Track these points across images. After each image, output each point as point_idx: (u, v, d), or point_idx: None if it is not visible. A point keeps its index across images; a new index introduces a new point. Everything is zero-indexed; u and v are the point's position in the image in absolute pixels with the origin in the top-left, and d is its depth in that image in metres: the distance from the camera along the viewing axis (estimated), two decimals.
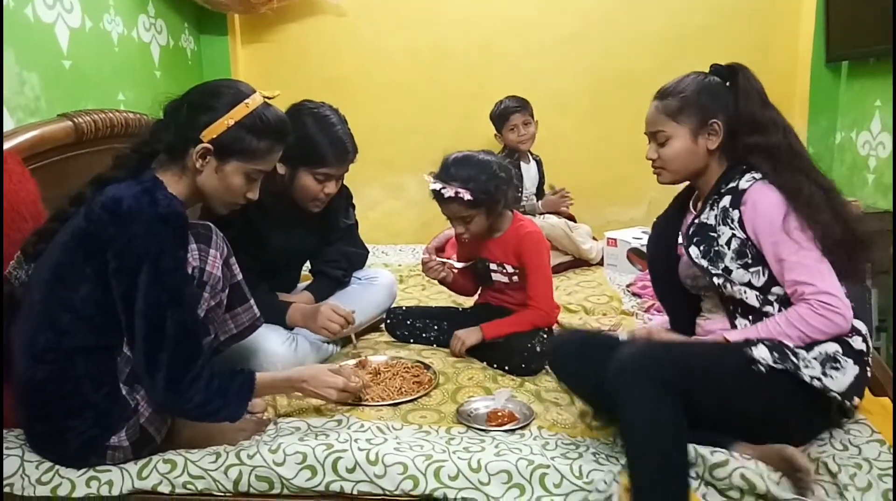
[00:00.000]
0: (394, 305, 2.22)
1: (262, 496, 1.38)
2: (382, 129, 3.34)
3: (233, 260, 1.55)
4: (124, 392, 1.38)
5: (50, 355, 1.35)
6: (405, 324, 2.10)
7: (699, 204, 1.55)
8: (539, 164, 3.11)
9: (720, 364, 1.35)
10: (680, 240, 1.58)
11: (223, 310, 1.53)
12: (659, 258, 1.65)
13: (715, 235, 1.45)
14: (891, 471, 1.29)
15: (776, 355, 1.31)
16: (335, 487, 1.36)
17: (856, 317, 1.38)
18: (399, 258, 3.14)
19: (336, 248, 2.15)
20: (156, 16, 2.88)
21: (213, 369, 1.38)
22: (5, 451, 1.42)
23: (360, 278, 2.21)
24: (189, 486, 1.38)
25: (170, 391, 1.31)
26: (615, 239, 2.86)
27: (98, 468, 1.39)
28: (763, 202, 1.40)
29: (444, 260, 2.07)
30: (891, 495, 1.25)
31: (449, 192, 1.84)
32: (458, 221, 1.91)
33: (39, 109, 2.06)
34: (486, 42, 3.42)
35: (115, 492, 1.37)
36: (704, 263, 1.45)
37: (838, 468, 1.30)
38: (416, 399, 1.68)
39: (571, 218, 3.09)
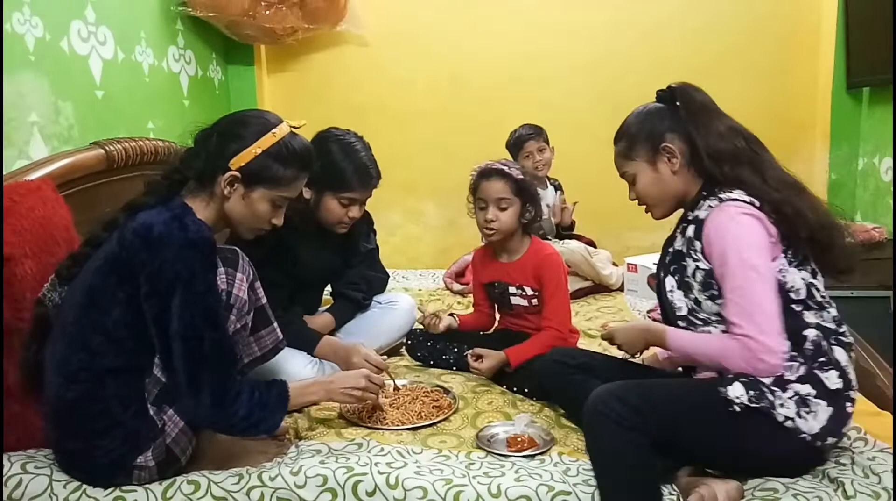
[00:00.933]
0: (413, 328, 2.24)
1: None
2: (402, 155, 3.39)
3: (258, 284, 1.58)
4: (152, 413, 1.40)
5: (82, 375, 1.38)
6: (425, 346, 2.11)
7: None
8: (557, 188, 3.13)
9: (694, 404, 1.34)
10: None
11: (248, 333, 1.55)
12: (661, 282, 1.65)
13: (685, 264, 1.43)
14: None
15: (752, 393, 1.29)
16: None
17: (839, 344, 1.35)
18: (419, 283, 3.16)
19: (357, 271, 2.18)
20: (185, 47, 2.97)
21: (251, 383, 1.41)
22: (34, 470, 1.44)
23: (380, 303, 2.24)
24: None
25: (216, 407, 1.35)
26: (635, 265, 2.85)
27: (124, 488, 1.41)
28: (715, 233, 1.37)
29: (438, 315, 2.09)
30: None
31: (503, 168, 1.92)
32: (495, 204, 1.93)
33: (73, 137, 2.13)
34: (505, 70, 3.47)
35: None
36: (679, 294, 1.44)
37: (854, 492, 1.29)
38: (435, 424, 1.68)
39: (591, 243, 3.09)
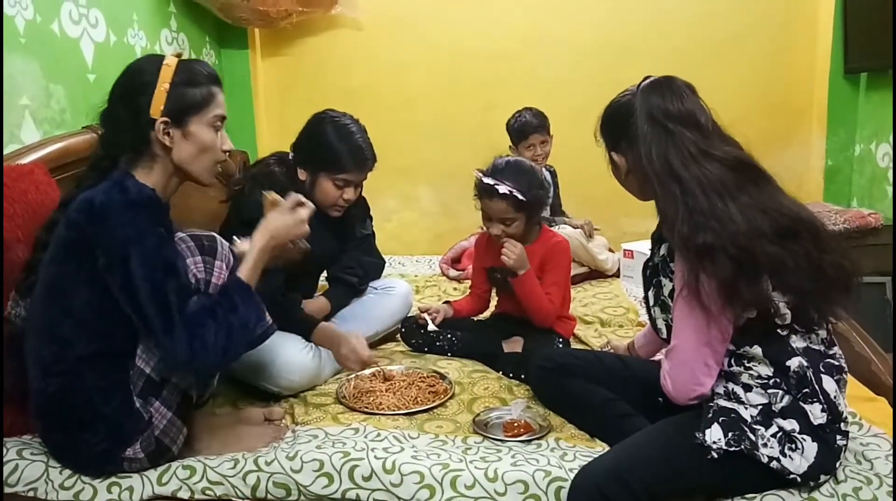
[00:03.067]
0: (409, 314, 2.23)
1: None
2: (398, 140, 3.37)
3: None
4: (138, 405, 1.38)
5: (57, 366, 1.36)
6: (420, 333, 2.11)
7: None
8: (553, 175, 3.12)
9: (676, 460, 1.26)
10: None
11: None
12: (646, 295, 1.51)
13: (662, 281, 1.37)
14: None
15: (731, 434, 1.22)
16: (351, 495, 1.37)
17: (828, 371, 1.26)
18: (415, 269, 3.15)
19: (353, 256, 2.18)
20: (178, 30, 2.94)
21: (208, 306, 1.35)
22: (30, 456, 1.44)
23: (376, 288, 2.23)
24: (208, 492, 1.39)
25: (197, 349, 1.29)
26: (632, 251, 2.85)
27: (120, 474, 1.41)
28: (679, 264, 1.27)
29: (430, 310, 2.07)
30: None
31: (504, 189, 1.87)
32: (500, 221, 1.92)
33: (65, 121, 2.11)
34: (502, 54, 3.44)
35: (136, 498, 1.39)
36: (657, 310, 1.39)
37: (845, 477, 1.29)
38: (431, 409, 1.68)
39: (590, 235, 3.07)
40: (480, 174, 1.93)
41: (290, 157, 2.03)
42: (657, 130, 1.27)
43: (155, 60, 1.42)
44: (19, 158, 1.75)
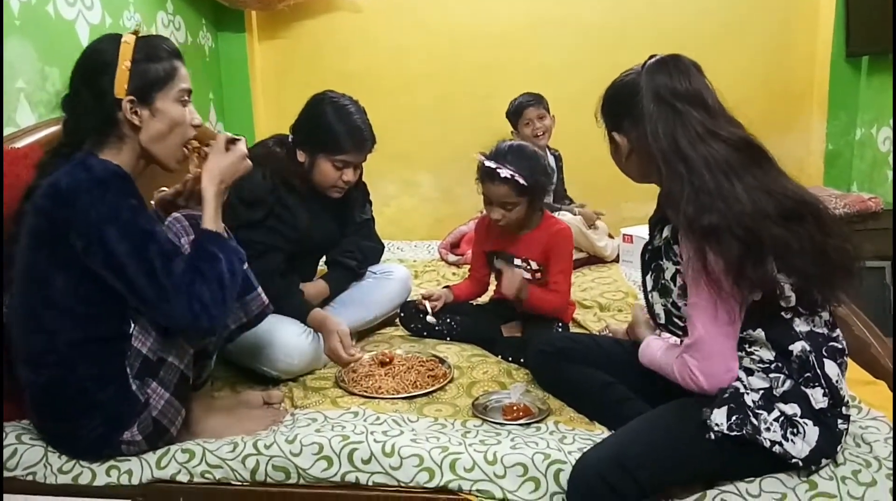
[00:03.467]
0: (408, 299, 2.23)
1: (278, 485, 1.39)
2: (397, 124, 3.34)
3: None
4: (134, 387, 1.37)
5: (46, 358, 1.35)
6: (419, 318, 2.10)
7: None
8: (557, 159, 3.10)
9: (679, 446, 1.25)
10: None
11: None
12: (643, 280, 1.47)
13: (663, 265, 1.34)
14: None
15: (734, 418, 1.22)
16: (350, 478, 1.37)
17: (830, 355, 1.26)
18: (414, 254, 3.15)
19: (352, 240, 2.17)
20: (174, 13, 2.91)
21: (192, 263, 1.33)
22: (29, 441, 1.44)
23: (375, 273, 2.22)
24: (207, 475, 1.40)
25: (197, 309, 1.29)
26: (631, 235, 2.85)
27: (118, 458, 1.41)
28: (686, 243, 1.24)
29: (431, 297, 2.07)
30: None
31: (506, 173, 1.84)
32: (500, 205, 1.91)
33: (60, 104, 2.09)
34: (502, 38, 3.41)
35: (135, 481, 1.39)
36: (656, 295, 1.36)
37: (844, 460, 1.29)
38: (431, 393, 1.68)
39: (592, 225, 3.06)
40: (483, 157, 1.91)
41: (290, 139, 2.01)
42: (664, 109, 1.25)
43: (113, 39, 1.39)
44: (15, 142, 1.73)
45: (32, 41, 1.97)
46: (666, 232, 1.31)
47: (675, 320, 1.34)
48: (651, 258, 1.39)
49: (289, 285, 1.92)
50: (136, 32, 1.41)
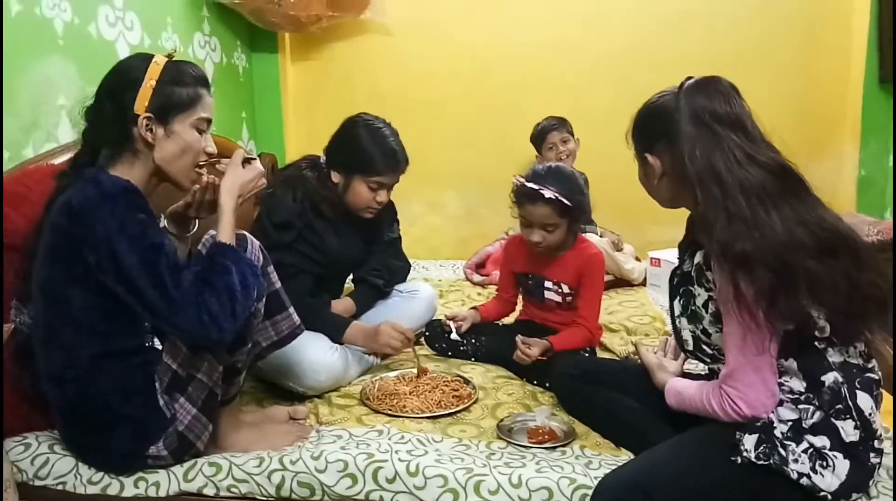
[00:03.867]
0: (433, 318, 2.23)
1: None
2: (424, 145, 3.33)
3: (270, 268, 1.57)
4: (162, 403, 1.39)
5: (68, 373, 1.37)
6: (443, 337, 2.10)
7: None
8: (585, 182, 3.09)
9: (706, 471, 1.23)
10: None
11: (261, 319, 1.53)
12: (671, 306, 1.45)
13: (693, 291, 1.31)
14: None
15: (763, 448, 1.20)
16: (375, 496, 1.37)
17: (864, 387, 1.23)
18: (439, 274, 3.16)
19: (379, 258, 2.19)
20: (210, 34, 2.98)
21: (201, 275, 1.32)
22: (61, 451, 1.47)
23: (401, 292, 2.24)
24: (233, 489, 1.41)
25: (206, 320, 1.27)
26: (659, 259, 2.82)
27: (146, 470, 1.43)
28: (720, 272, 1.21)
29: (457, 318, 2.06)
30: None
31: (549, 194, 1.82)
32: (542, 227, 1.89)
33: None
34: (528, 60, 3.44)
35: (162, 493, 1.41)
36: (684, 321, 1.34)
37: (877, 493, 1.26)
38: (455, 413, 1.68)
39: (618, 248, 3.05)
40: (522, 180, 1.89)
41: (323, 160, 2.04)
42: (702, 131, 1.22)
43: (144, 58, 1.42)
44: (54, 157, 1.78)
45: (75, 60, 2.03)
46: (698, 258, 1.29)
47: (704, 347, 1.32)
48: (679, 283, 1.37)
49: (319, 304, 1.95)
50: (170, 55, 1.43)
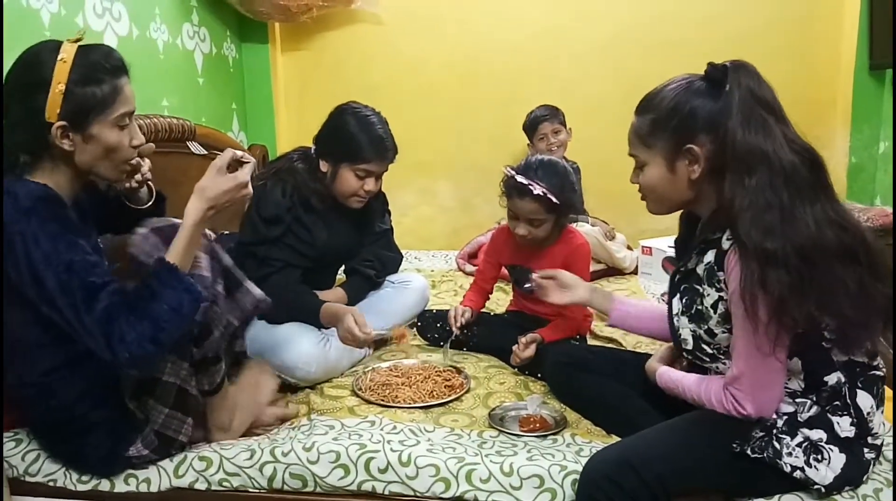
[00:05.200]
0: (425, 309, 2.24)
1: (295, 493, 1.40)
2: (416, 135, 3.35)
3: (217, 247, 1.49)
4: (132, 407, 1.37)
5: (29, 389, 1.34)
6: (436, 327, 2.11)
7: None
8: (575, 171, 3.10)
9: (696, 452, 1.23)
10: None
11: (223, 299, 1.46)
12: (669, 303, 1.43)
13: (700, 290, 1.27)
14: None
15: (757, 442, 1.21)
16: (367, 487, 1.38)
17: (866, 386, 1.23)
18: (431, 264, 3.16)
19: (370, 250, 2.19)
20: (199, 24, 2.96)
21: (120, 299, 1.24)
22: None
23: (393, 282, 2.24)
24: (225, 483, 1.41)
25: (115, 346, 1.20)
26: (650, 247, 2.83)
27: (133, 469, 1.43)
28: (735, 275, 1.18)
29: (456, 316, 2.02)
30: None
31: (538, 190, 1.81)
32: (528, 222, 1.88)
33: None
34: (520, 49, 3.43)
35: (153, 489, 1.41)
36: (685, 320, 1.31)
37: (866, 478, 1.27)
38: (447, 403, 1.69)
39: (611, 237, 3.05)
40: (513, 172, 1.86)
41: (313, 150, 2.04)
42: (754, 115, 1.18)
43: (52, 49, 1.27)
44: None
45: None
46: (709, 257, 1.25)
47: (704, 346, 1.31)
48: (682, 281, 1.34)
49: (301, 290, 1.94)
50: (77, 39, 1.30)
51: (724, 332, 1.25)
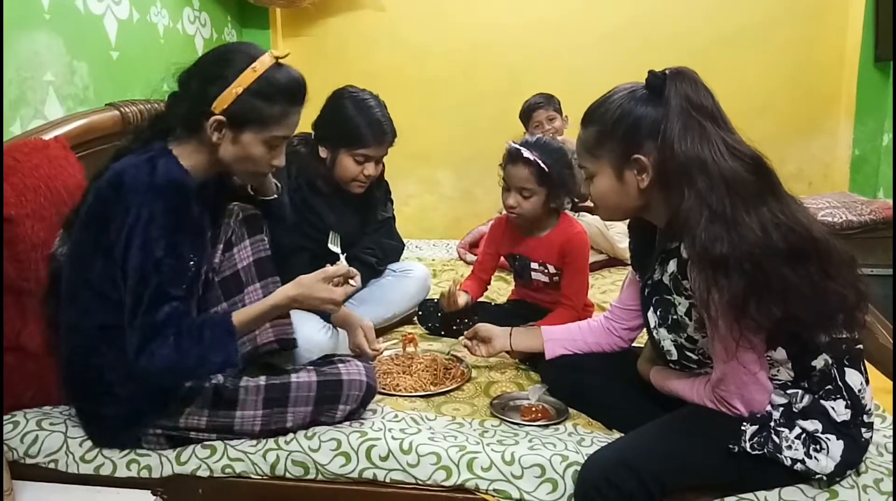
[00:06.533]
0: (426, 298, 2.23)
1: (297, 480, 1.40)
2: (418, 123, 3.34)
3: (258, 238, 1.61)
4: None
5: (76, 334, 1.37)
6: (437, 317, 2.10)
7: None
8: (574, 157, 3.09)
9: (694, 450, 1.24)
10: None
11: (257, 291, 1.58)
12: (645, 317, 1.41)
13: (672, 300, 1.27)
14: None
15: (756, 438, 1.21)
16: (368, 474, 1.38)
17: (852, 363, 1.23)
18: (433, 253, 3.15)
19: (372, 237, 2.18)
20: (200, 9, 2.93)
21: (175, 324, 1.30)
22: (50, 427, 1.47)
23: (394, 271, 2.23)
24: (227, 470, 1.41)
25: (143, 358, 1.27)
26: None
27: (138, 451, 1.43)
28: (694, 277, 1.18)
29: (454, 292, 2.01)
30: None
31: (529, 156, 1.85)
32: (518, 191, 1.89)
33: (88, 98, 2.12)
34: (524, 38, 3.41)
35: (155, 476, 1.41)
36: (663, 331, 1.31)
37: (866, 468, 1.28)
38: (449, 392, 1.68)
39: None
40: (511, 142, 1.92)
41: (312, 136, 2.02)
42: (691, 123, 1.18)
43: (247, 57, 1.36)
44: (42, 134, 1.76)
45: (62, 35, 1.99)
46: (672, 267, 1.25)
47: (689, 354, 1.30)
48: (652, 293, 1.34)
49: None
50: (277, 58, 1.38)
51: (703, 337, 1.26)
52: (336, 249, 1.97)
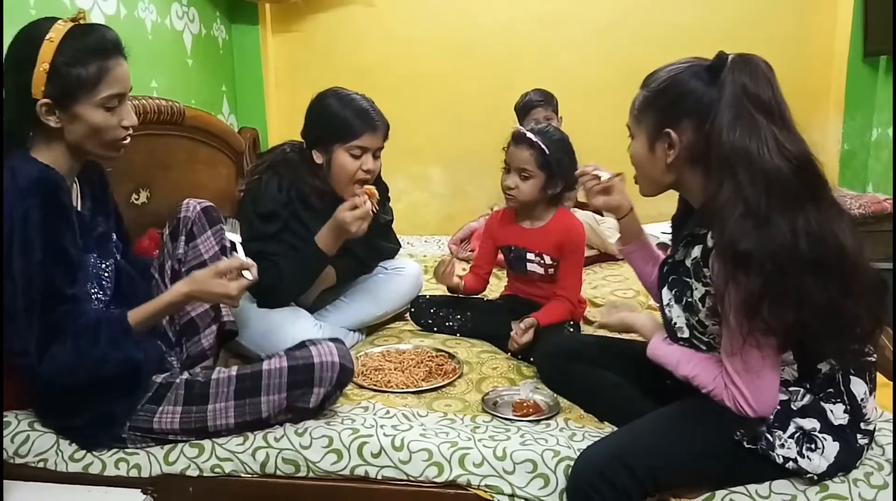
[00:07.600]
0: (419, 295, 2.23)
1: (288, 478, 1.40)
2: (409, 119, 3.33)
3: (222, 228, 1.62)
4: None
5: (14, 357, 1.32)
6: (429, 313, 2.10)
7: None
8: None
9: (688, 444, 1.23)
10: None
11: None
12: (659, 293, 1.41)
13: (689, 282, 1.27)
14: None
15: (750, 434, 1.21)
16: (360, 471, 1.38)
17: (858, 372, 1.23)
18: (424, 249, 3.14)
19: (366, 238, 2.14)
20: (188, 4, 2.91)
21: (71, 326, 1.29)
22: (41, 428, 1.46)
23: (386, 268, 2.21)
24: (216, 469, 1.40)
25: (45, 361, 1.26)
26: None
27: (126, 450, 1.43)
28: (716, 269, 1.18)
29: (453, 264, 2.04)
30: None
31: (533, 138, 1.89)
32: (518, 172, 1.93)
33: None
34: (515, 33, 3.40)
35: (144, 475, 1.40)
36: (677, 309, 1.30)
37: (861, 472, 1.27)
38: (440, 388, 1.68)
39: (598, 212, 3.05)
40: (517, 126, 1.96)
41: (304, 145, 1.96)
42: (743, 114, 1.15)
43: (41, 31, 1.27)
44: None
45: None
46: (696, 252, 1.25)
47: (699, 335, 1.30)
48: (671, 271, 1.34)
49: (295, 258, 1.87)
50: (74, 19, 1.31)
51: (714, 324, 1.25)
52: (235, 238, 1.88)
